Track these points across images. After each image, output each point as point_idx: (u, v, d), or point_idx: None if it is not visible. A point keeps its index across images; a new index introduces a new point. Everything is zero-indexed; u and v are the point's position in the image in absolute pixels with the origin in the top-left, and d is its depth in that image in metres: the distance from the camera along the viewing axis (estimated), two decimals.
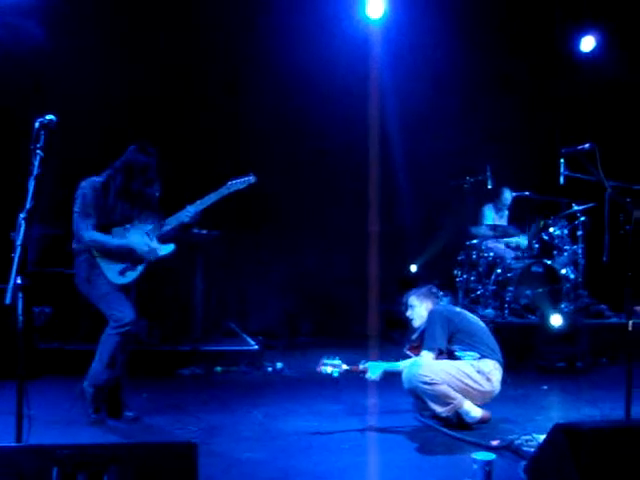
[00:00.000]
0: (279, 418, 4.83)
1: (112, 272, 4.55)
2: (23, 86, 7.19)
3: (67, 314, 7.10)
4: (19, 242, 3.16)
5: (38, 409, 3.33)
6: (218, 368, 6.45)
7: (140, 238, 4.60)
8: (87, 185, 4.57)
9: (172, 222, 4.65)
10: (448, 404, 4.51)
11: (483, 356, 4.66)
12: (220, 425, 4.59)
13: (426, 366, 4.55)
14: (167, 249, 4.67)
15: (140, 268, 4.61)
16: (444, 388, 4.48)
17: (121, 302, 4.54)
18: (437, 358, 4.66)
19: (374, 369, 4.65)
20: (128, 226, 4.61)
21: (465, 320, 4.88)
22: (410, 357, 4.93)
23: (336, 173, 8.65)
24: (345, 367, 4.64)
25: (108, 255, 4.54)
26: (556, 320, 6.66)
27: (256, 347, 6.89)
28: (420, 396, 4.61)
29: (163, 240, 4.68)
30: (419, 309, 4.95)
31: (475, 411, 4.58)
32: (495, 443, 4.07)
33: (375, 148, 8.45)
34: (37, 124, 3.44)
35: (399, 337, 8.18)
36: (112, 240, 4.54)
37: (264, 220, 8.35)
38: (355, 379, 6.34)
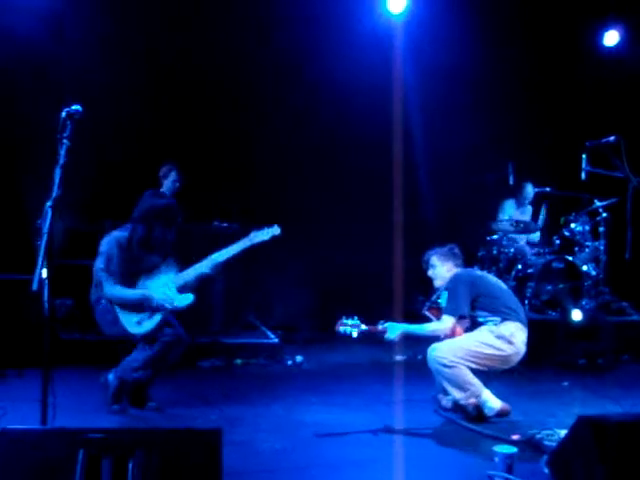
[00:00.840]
0: (298, 410, 4.84)
1: (129, 322, 4.56)
2: (44, 77, 7.24)
3: (87, 306, 7.17)
4: (45, 230, 3.20)
5: (60, 398, 3.35)
6: (238, 361, 6.47)
7: (160, 287, 4.61)
8: (112, 242, 4.60)
9: (191, 273, 4.67)
10: (466, 389, 4.50)
11: (504, 319, 4.65)
12: (240, 416, 4.61)
13: (442, 348, 4.55)
14: (185, 300, 4.65)
15: (158, 318, 4.56)
16: (461, 371, 4.48)
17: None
18: (458, 322, 4.67)
19: (393, 329, 4.60)
20: (154, 274, 4.64)
21: (487, 284, 4.90)
22: (430, 319, 4.93)
23: (358, 168, 8.61)
24: (364, 327, 4.59)
25: (126, 306, 4.56)
26: (577, 315, 6.62)
27: (276, 340, 6.91)
28: (440, 380, 4.62)
29: (182, 289, 4.68)
30: (440, 269, 4.95)
31: (494, 402, 4.57)
32: (516, 437, 4.05)
33: (397, 143, 8.42)
34: (63, 114, 3.48)
35: None
36: (131, 294, 4.55)
37: (285, 213, 8.31)
38: (375, 370, 6.44)
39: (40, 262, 3.09)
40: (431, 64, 8.36)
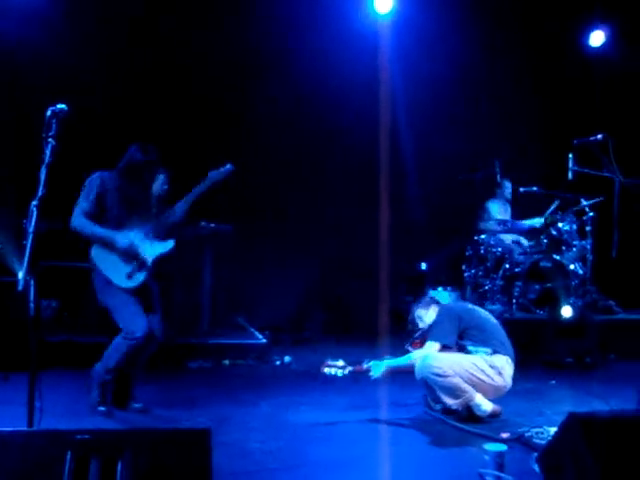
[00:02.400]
0: (287, 410, 4.83)
1: (118, 276, 4.52)
2: (32, 77, 7.20)
3: (74, 307, 7.13)
4: (31, 230, 3.17)
5: (46, 401, 3.31)
6: (226, 361, 6.45)
7: (138, 238, 4.56)
8: (94, 176, 4.58)
9: (163, 221, 4.63)
10: (459, 397, 4.51)
11: (495, 351, 4.65)
12: (228, 416, 4.59)
13: (439, 358, 4.54)
14: (166, 246, 4.62)
15: (147, 270, 4.55)
16: (456, 380, 4.47)
17: (134, 314, 4.50)
18: (441, 351, 4.66)
19: (377, 368, 4.64)
20: (126, 228, 4.58)
21: (476, 316, 4.88)
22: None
23: (345, 170, 8.63)
24: (349, 368, 4.64)
25: (110, 261, 4.50)
26: (567, 312, 6.65)
27: (264, 341, 6.88)
28: (432, 387, 4.60)
29: (162, 237, 4.64)
30: (427, 316, 4.96)
31: (486, 404, 4.57)
32: (505, 436, 4.05)
33: (384, 143, 8.43)
34: (49, 112, 3.44)
35: (406, 334, 8.17)
36: (101, 229, 4.48)
37: (274, 215, 8.35)
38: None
39: (26, 262, 3.06)
40: (418, 63, 8.39)
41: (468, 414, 4.56)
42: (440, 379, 4.48)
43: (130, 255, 4.52)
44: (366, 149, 8.44)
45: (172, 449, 2.46)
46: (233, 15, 8.04)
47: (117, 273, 4.51)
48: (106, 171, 4.63)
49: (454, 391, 4.50)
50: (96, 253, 4.55)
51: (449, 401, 4.53)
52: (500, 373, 4.60)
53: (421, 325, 4.98)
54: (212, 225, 7.13)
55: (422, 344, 4.79)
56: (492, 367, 4.58)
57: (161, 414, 4.64)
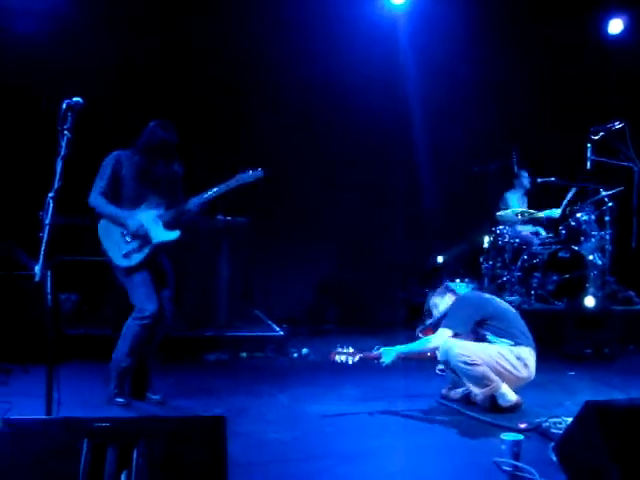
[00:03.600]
0: (304, 401, 4.83)
1: (116, 253, 4.56)
2: (43, 69, 7.26)
3: (93, 301, 7.19)
4: (47, 221, 3.20)
5: (65, 393, 3.35)
6: (243, 354, 6.46)
7: (148, 220, 4.59)
8: (111, 155, 4.63)
9: (179, 209, 4.63)
10: (486, 385, 4.49)
11: (518, 343, 4.61)
12: (245, 408, 4.60)
13: (466, 346, 4.53)
14: (171, 235, 4.62)
15: (146, 251, 4.56)
16: (484, 369, 4.46)
17: (147, 294, 4.55)
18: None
19: (388, 354, 4.61)
20: (144, 207, 4.61)
21: (496, 306, 4.85)
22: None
23: (361, 162, 8.61)
24: (359, 355, 4.61)
25: (112, 238, 4.55)
26: (590, 302, 6.60)
27: (281, 333, 6.89)
28: (457, 374, 4.60)
29: (171, 226, 4.65)
30: (442, 305, 4.93)
31: (511, 395, 4.56)
32: (523, 426, 4.02)
33: (400, 135, 8.40)
34: (64, 105, 3.47)
35: None
36: (116, 210, 4.53)
37: (291, 208, 8.34)
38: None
39: (42, 253, 3.09)
40: (434, 53, 8.33)
41: (490, 404, 4.53)
42: (468, 367, 4.46)
43: (137, 236, 4.55)
44: (381, 141, 8.43)
45: (187, 437, 2.47)
46: (245, 9, 8.04)
47: (116, 250, 4.55)
48: (123, 150, 4.67)
49: (481, 380, 4.48)
50: (101, 227, 4.61)
51: (475, 390, 4.52)
52: (526, 365, 4.58)
53: (435, 313, 4.96)
54: (228, 218, 7.15)
55: (433, 332, 4.77)
56: (518, 359, 4.56)
57: (178, 405, 4.67)
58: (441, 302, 4.94)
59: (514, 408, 4.55)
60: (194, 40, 7.99)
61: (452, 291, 5.01)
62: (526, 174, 8.09)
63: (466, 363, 4.46)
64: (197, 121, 7.70)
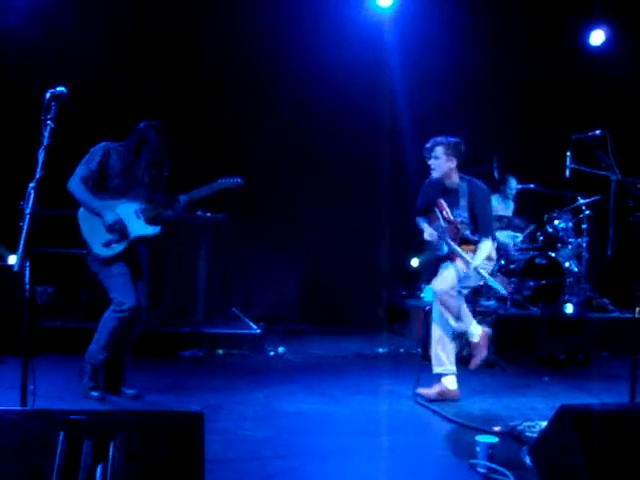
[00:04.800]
0: (281, 399, 4.83)
1: (96, 242, 4.52)
2: (28, 59, 7.20)
3: (69, 293, 7.13)
4: (28, 211, 3.16)
5: (40, 385, 3.31)
6: (220, 351, 6.45)
7: (129, 214, 4.58)
8: (100, 145, 4.61)
9: (158, 208, 4.64)
10: (461, 320, 4.89)
11: None
12: (222, 405, 4.59)
13: (441, 280, 4.91)
14: (151, 230, 4.62)
15: (125, 243, 4.55)
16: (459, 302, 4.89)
17: (126, 286, 4.53)
18: None
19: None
20: (126, 200, 4.60)
21: None
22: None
23: (344, 163, 8.63)
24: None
25: (93, 226, 4.52)
26: (568, 309, 6.70)
27: (258, 331, 6.88)
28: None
29: (151, 222, 4.64)
30: (443, 163, 4.89)
31: (478, 330, 5.00)
32: (497, 429, 4.06)
33: (384, 138, 8.43)
34: (48, 95, 3.44)
35: (400, 328, 8.20)
36: (93, 199, 4.51)
37: (270, 206, 8.34)
38: (357, 362, 6.45)
39: (22, 243, 3.06)
40: (419, 58, 8.37)
41: (467, 352, 5.08)
42: (446, 299, 4.85)
43: (114, 229, 4.52)
44: (365, 143, 8.44)
45: (164, 432, 2.46)
46: (232, 10, 8.03)
47: (95, 239, 4.52)
48: (115, 142, 4.65)
49: (457, 314, 4.87)
50: (82, 215, 4.57)
51: (453, 323, 4.88)
52: None
53: (432, 169, 5.00)
54: (208, 214, 7.13)
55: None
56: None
57: (154, 400, 4.64)
58: (443, 160, 4.95)
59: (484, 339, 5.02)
60: (180, 39, 7.97)
61: (459, 159, 5.01)
62: (514, 181, 8.12)
63: (444, 295, 4.91)
64: (181, 118, 7.68)
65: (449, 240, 4.86)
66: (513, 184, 8.11)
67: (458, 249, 4.82)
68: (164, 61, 7.97)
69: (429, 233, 5.02)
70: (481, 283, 5.52)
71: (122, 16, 7.71)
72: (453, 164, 4.90)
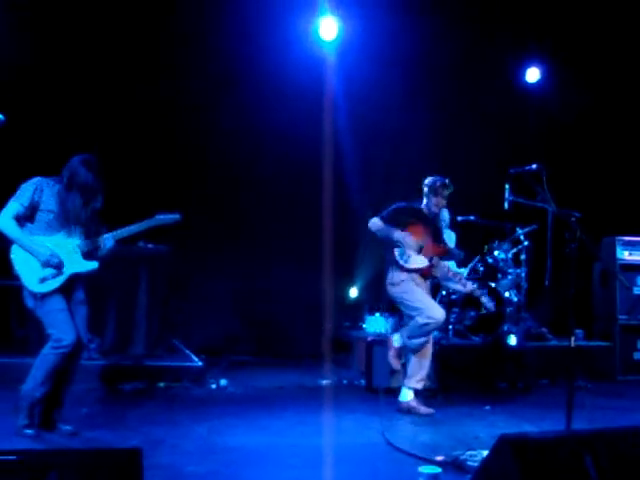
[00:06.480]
0: (224, 433, 4.75)
1: (30, 279, 4.41)
2: None
3: (2, 327, 6.90)
4: None
5: None
6: (161, 384, 6.33)
7: (63, 248, 4.49)
8: (33, 180, 4.49)
9: (96, 242, 4.57)
10: None
11: None
12: (162, 439, 4.49)
13: None
14: (88, 265, 4.55)
15: (62, 279, 4.45)
16: None
17: (64, 322, 4.41)
18: None
19: None
20: (55, 237, 4.49)
21: None
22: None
23: (286, 194, 8.65)
24: None
25: (27, 262, 4.40)
26: (512, 341, 6.82)
27: (200, 364, 6.78)
28: None
29: (89, 257, 4.57)
30: None
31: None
32: (440, 458, 4.08)
33: (328, 168, 8.49)
34: None
35: (344, 359, 8.19)
36: (25, 237, 4.40)
37: (211, 237, 8.29)
38: (300, 394, 6.41)
39: None
40: (362, 89, 8.50)
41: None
42: None
43: (49, 265, 4.42)
44: (309, 173, 8.48)
45: (100, 470, 2.38)
46: (178, 39, 8.03)
47: (31, 276, 4.40)
48: (48, 177, 4.54)
49: None
50: (15, 251, 4.44)
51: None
52: None
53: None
54: (149, 246, 7.04)
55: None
56: None
57: (91, 436, 4.50)
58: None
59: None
60: (117, 60, 7.93)
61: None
62: (447, 213, 8.25)
63: None
64: (115, 146, 7.62)
65: None
66: (444, 215, 8.25)
67: None
68: (107, 86, 7.90)
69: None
70: None
71: (58, 36, 7.63)
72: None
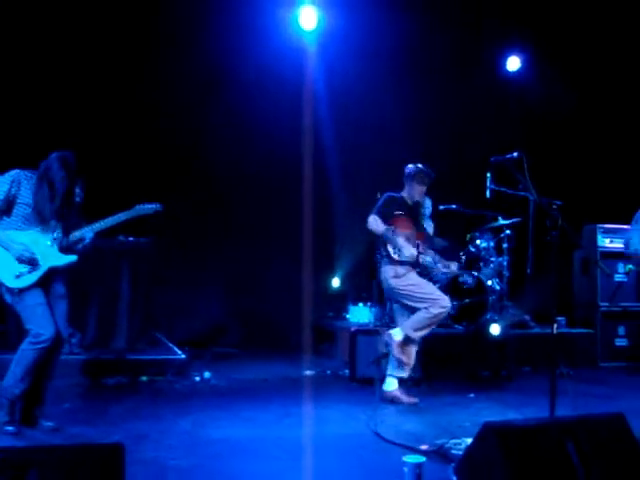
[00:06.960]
0: (207, 426, 4.73)
1: (7, 274, 4.36)
2: None
3: None
4: None
5: None
6: (144, 377, 6.28)
7: (40, 242, 4.44)
8: (11, 172, 4.44)
9: (76, 235, 4.52)
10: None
11: None
12: (146, 434, 4.46)
13: None
14: (66, 259, 4.50)
15: (38, 273, 4.40)
16: None
17: (43, 317, 4.36)
18: None
19: None
20: (31, 231, 4.44)
21: None
22: None
23: (270, 186, 8.62)
24: None
25: (3, 257, 4.35)
26: (495, 329, 6.84)
27: (183, 356, 6.74)
28: None
29: (66, 250, 4.52)
30: None
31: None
32: (425, 447, 4.09)
33: (309, 160, 8.47)
34: None
35: (327, 350, 8.20)
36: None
37: (194, 229, 8.24)
38: (284, 385, 6.40)
39: None
40: (343, 80, 8.48)
41: None
42: None
43: (23, 260, 4.37)
44: (291, 165, 8.46)
45: (82, 466, 2.36)
46: (160, 34, 7.95)
47: (7, 271, 4.35)
48: (27, 170, 4.48)
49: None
50: None
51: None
52: None
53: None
54: (130, 239, 6.98)
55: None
56: None
57: (74, 432, 4.46)
58: None
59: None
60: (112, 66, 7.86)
61: None
62: (429, 202, 8.26)
63: None
64: (100, 141, 7.55)
65: None
66: (428, 203, 8.26)
67: None
68: (93, 83, 7.83)
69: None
70: None
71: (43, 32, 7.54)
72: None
